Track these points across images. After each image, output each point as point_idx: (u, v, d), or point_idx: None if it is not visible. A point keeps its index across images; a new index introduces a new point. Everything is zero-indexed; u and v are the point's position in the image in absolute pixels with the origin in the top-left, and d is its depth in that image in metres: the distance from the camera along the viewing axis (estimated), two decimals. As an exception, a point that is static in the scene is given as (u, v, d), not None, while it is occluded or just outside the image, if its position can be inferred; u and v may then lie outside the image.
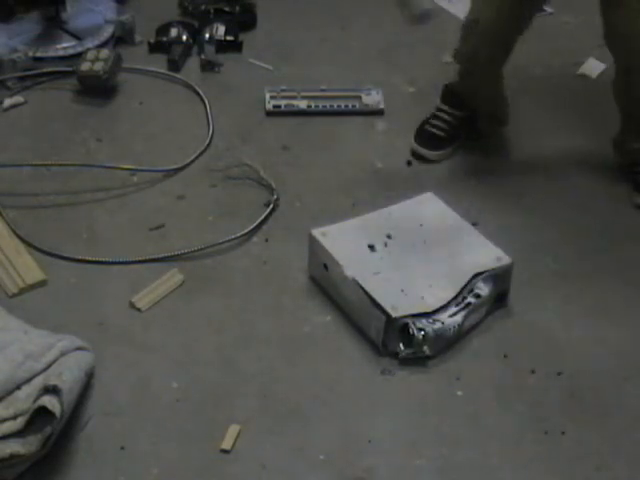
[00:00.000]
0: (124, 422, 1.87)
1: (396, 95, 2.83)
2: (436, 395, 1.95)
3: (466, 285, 2.06)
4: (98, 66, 2.74)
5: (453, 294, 2.05)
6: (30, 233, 2.28)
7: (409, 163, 2.56)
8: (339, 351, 2.04)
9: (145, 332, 2.06)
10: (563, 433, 1.87)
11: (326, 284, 2.15)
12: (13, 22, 3.01)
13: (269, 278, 2.21)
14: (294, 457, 1.82)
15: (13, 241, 2.26)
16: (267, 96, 2.77)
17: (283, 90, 2.79)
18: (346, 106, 2.76)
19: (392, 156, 2.59)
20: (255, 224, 2.33)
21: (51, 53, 2.88)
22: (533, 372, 1.99)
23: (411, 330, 1.98)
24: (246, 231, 2.31)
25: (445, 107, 2.58)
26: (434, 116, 2.59)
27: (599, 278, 2.24)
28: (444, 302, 2.03)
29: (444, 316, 2.01)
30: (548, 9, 3.30)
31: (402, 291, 2.04)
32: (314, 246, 2.15)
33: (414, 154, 2.57)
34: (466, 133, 2.59)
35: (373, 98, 2.78)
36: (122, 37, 3.02)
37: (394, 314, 1.98)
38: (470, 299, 2.05)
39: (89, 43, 2.91)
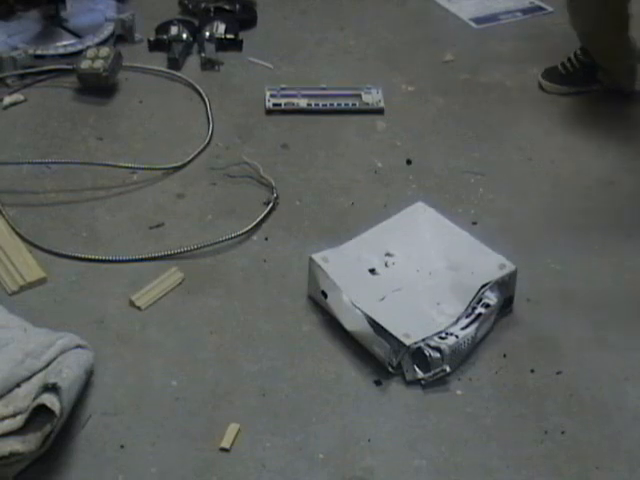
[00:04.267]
0: (123, 421, 1.86)
1: (396, 94, 2.83)
2: (436, 395, 1.95)
3: (474, 297, 2.03)
4: (98, 64, 2.74)
5: (462, 309, 2.02)
6: (30, 231, 2.28)
7: (409, 162, 2.56)
8: (339, 351, 2.03)
9: (145, 330, 2.06)
10: (563, 433, 1.87)
11: (327, 309, 2.08)
12: (13, 20, 3.02)
13: (269, 277, 2.21)
14: (294, 457, 1.81)
15: (13, 239, 2.26)
16: (267, 94, 2.77)
17: (283, 89, 2.79)
18: (346, 105, 2.76)
19: (392, 155, 2.59)
20: (255, 223, 2.32)
21: (51, 51, 2.89)
22: (533, 372, 1.99)
23: (427, 352, 1.94)
24: (246, 230, 2.31)
25: (578, 51, 2.84)
26: (567, 58, 2.87)
27: (599, 277, 2.24)
28: (454, 319, 2.00)
29: (456, 329, 1.98)
30: (548, 8, 3.32)
31: (410, 315, 2.00)
32: (315, 272, 2.08)
33: (538, 84, 2.90)
34: (584, 82, 2.85)
35: (373, 97, 2.78)
36: (122, 35, 3.03)
37: (407, 342, 1.94)
38: (480, 309, 2.02)
39: (89, 41, 2.92)
